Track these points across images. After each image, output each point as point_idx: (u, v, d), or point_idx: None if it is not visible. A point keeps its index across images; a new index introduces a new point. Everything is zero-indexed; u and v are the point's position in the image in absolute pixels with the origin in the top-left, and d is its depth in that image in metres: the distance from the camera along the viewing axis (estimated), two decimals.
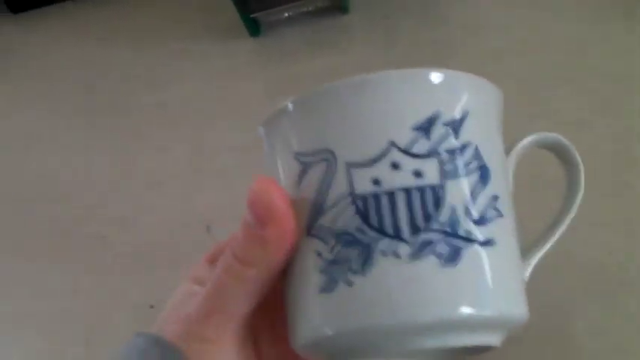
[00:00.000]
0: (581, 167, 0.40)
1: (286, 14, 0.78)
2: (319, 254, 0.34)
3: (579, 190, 0.40)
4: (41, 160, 0.76)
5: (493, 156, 0.36)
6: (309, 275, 0.34)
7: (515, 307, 0.35)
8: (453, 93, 0.35)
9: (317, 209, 0.34)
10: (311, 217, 0.34)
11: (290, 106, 0.36)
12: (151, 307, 0.53)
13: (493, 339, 0.35)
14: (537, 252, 0.40)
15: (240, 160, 0.66)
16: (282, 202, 0.34)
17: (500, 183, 0.36)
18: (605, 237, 0.49)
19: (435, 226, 0.32)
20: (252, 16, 0.77)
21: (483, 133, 0.36)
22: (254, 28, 0.78)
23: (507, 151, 0.40)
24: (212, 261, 0.42)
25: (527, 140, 0.40)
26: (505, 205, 0.35)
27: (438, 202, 0.33)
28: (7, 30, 1.01)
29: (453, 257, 0.32)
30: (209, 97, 0.74)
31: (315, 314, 0.34)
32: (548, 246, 0.41)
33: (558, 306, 0.46)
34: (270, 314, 0.40)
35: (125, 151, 0.72)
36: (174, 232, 0.63)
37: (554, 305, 0.46)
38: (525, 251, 0.40)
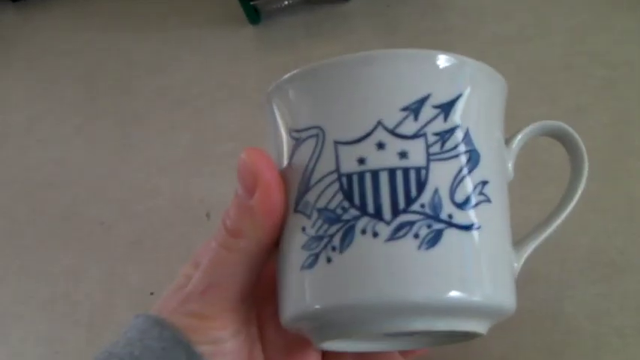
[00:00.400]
0: (585, 156, 0.40)
1: (286, 2, 0.78)
2: (303, 229, 0.34)
3: (582, 179, 0.40)
4: (41, 146, 0.77)
5: (486, 141, 0.36)
6: (294, 251, 0.35)
7: (498, 296, 0.35)
8: (447, 75, 0.35)
9: (304, 185, 0.35)
10: (298, 194, 0.35)
11: (286, 80, 0.36)
12: (151, 294, 0.53)
13: (476, 327, 0.35)
14: (534, 241, 0.40)
15: (240, 145, 0.67)
16: (268, 170, 0.35)
17: (492, 169, 0.36)
18: (604, 222, 0.48)
19: (416, 207, 0.32)
20: (252, 3, 0.76)
21: (477, 117, 0.35)
22: (254, 16, 0.78)
23: (509, 139, 0.40)
24: None
25: (529, 129, 0.40)
26: (495, 191, 0.35)
27: (420, 184, 0.33)
28: (7, 18, 1.01)
29: (431, 240, 0.32)
30: (209, 84, 0.75)
31: (297, 290, 0.35)
32: (545, 235, 0.40)
33: (557, 290, 0.46)
34: (271, 291, 0.40)
35: (125, 137, 0.73)
36: (174, 217, 0.63)
37: (552, 289, 0.46)
38: (522, 239, 0.40)
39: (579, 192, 0.40)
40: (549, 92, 0.59)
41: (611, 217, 0.49)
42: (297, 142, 0.35)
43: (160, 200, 0.65)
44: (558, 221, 0.40)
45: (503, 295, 0.35)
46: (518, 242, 0.40)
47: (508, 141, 0.40)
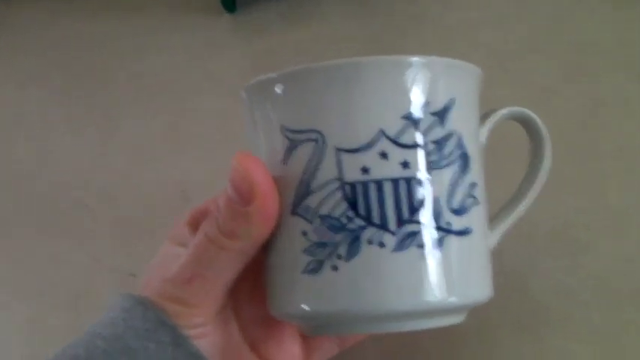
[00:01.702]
0: (548, 140, 0.41)
1: None
2: (304, 234, 0.35)
3: (545, 163, 0.42)
4: (25, 134, 0.76)
5: (473, 140, 0.37)
6: (294, 253, 0.35)
7: (484, 290, 0.37)
8: (444, 81, 0.35)
9: (303, 189, 0.35)
10: (297, 196, 0.35)
11: (281, 78, 0.35)
12: (133, 275, 0.54)
13: (459, 319, 0.38)
14: (503, 224, 0.42)
15: (216, 129, 0.67)
16: (264, 180, 0.35)
17: (478, 168, 0.37)
18: (571, 200, 0.51)
19: (419, 217, 0.34)
20: None
21: (466, 119, 0.36)
22: (229, 4, 0.77)
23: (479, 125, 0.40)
24: (192, 224, 0.43)
25: (498, 115, 0.40)
26: (481, 190, 0.37)
27: (422, 194, 0.34)
28: None
29: (434, 248, 0.34)
30: (186, 71, 0.74)
31: (298, 292, 0.36)
32: (514, 218, 0.42)
33: (523, 267, 0.48)
34: (250, 277, 0.41)
35: (105, 123, 0.72)
36: (154, 200, 0.63)
37: (519, 266, 0.48)
38: (492, 221, 0.42)
39: (544, 176, 0.42)
40: (518, 76, 0.60)
41: (578, 195, 0.51)
42: (292, 143, 0.35)
43: (140, 184, 0.65)
44: (522, 207, 0.42)
45: (487, 289, 0.38)
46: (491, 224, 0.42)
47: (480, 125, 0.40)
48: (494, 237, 0.41)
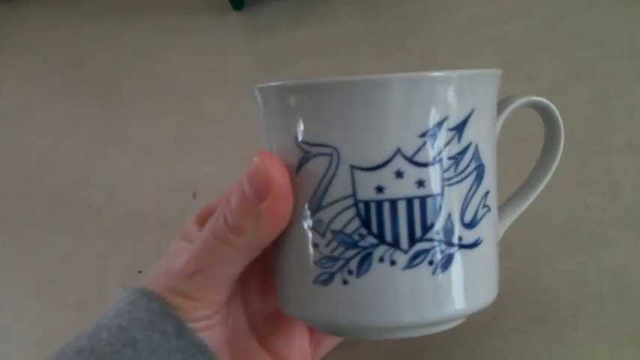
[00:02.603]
0: (562, 130, 0.41)
1: None
2: (316, 246, 0.35)
3: (558, 153, 0.42)
4: (33, 133, 0.75)
5: (489, 148, 0.36)
6: (305, 263, 0.36)
7: (490, 293, 0.38)
8: (463, 94, 0.34)
9: (316, 202, 0.35)
10: (309, 209, 0.35)
11: (298, 88, 0.35)
12: (139, 272, 0.54)
13: (463, 319, 0.39)
14: (512, 214, 0.43)
15: (223, 128, 0.66)
16: (283, 180, 0.35)
17: (492, 174, 0.37)
18: (582, 194, 0.50)
19: (432, 235, 0.34)
20: None
21: (484, 126, 0.36)
22: (237, 2, 0.77)
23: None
24: (201, 221, 0.42)
25: (514, 104, 0.40)
26: (494, 196, 0.37)
27: (436, 212, 0.34)
28: None
29: (445, 264, 0.34)
30: (195, 70, 0.73)
31: (308, 300, 0.36)
32: (523, 208, 0.43)
33: (536, 260, 0.48)
34: (259, 272, 0.41)
35: (114, 123, 0.71)
36: (161, 199, 0.63)
37: (531, 259, 0.48)
38: (501, 211, 0.42)
39: (555, 166, 0.42)
40: (529, 72, 0.60)
41: (590, 190, 0.51)
42: (306, 155, 0.34)
43: (148, 183, 0.65)
44: (533, 195, 0.43)
45: (493, 291, 0.38)
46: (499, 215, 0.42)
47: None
48: (506, 223, 0.42)
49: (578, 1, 0.66)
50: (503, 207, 0.43)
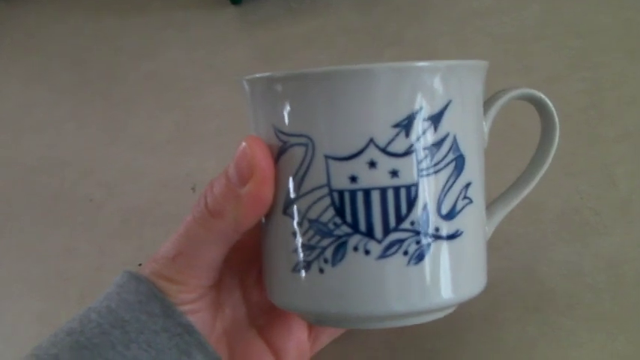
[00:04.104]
0: (557, 124, 0.41)
1: None
2: (294, 234, 0.36)
3: (553, 145, 0.41)
4: (34, 130, 0.76)
5: (470, 139, 0.36)
6: (284, 252, 0.36)
7: (476, 284, 0.38)
8: (440, 85, 0.34)
9: (293, 191, 0.35)
10: (287, 198, 0.36)
11: (277, 79, 0.35)
12: (139, 265, 0.54)
13: (450, 311, 0.39)
14: (509, 205, 0.42)
15: (222, 123, 0.67)
16: (266, 165, 0.35)
17: (475, 165, 0.36)
18: (577, 184, 0.50)
19: (406, 225, 0.34)
20: None
21: (463, 117, 0.35)
22: None
23: (486, 107, 0.39)
24: None
25: (506, 97, 0.40)
26: (477, 188, 0.37)
27: (410, 202, 0.34)
28: None
29: (420, 255, 0.34)
30: (194, 64, 0.74)
31: (287, 288, 0.37)
32: (519, 199, 0.42)
33: (531, 250, 0.48)
34: (259, 263, 0.41)
35: (115, 119, 0.72)
36: (162, 194, 0.64)
37: (527, 249, 0.48)
38: (494, 205, 0.42)
39: (549, 158, 0.42)
40: (524, 63, 0.60)
41: (586, 180, 0.51)
42: (284, 145, 0.35)
43: (148, 178, 0.65)
44: (529, 188, 0.42)
45: (480, 282, 0.38)
46: (489, 207, 0.42)
47: (486, 108, 0.39)
48: (499, 217, 0.42)
49: None
50: (499, 199, 0.42)
